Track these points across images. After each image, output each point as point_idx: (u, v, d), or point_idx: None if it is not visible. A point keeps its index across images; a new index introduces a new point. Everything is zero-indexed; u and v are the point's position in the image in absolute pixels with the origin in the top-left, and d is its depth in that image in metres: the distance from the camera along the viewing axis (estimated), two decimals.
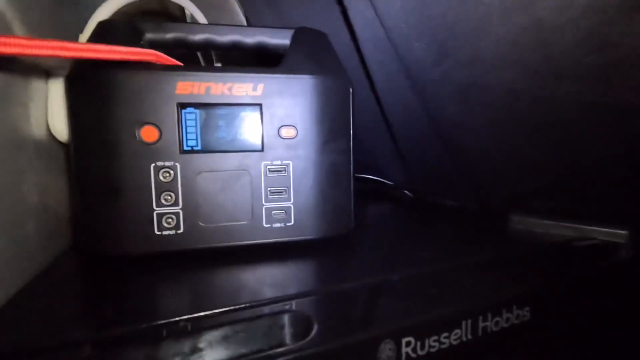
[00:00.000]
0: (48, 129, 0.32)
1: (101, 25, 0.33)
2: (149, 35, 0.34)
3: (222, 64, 0.42)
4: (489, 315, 0.24)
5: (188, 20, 0.42)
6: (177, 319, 0.22)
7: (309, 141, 0.33)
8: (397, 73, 0.43)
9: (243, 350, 0.19)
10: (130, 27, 0.33)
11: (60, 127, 0.32)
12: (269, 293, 0.26)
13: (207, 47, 0.36)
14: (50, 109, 0.32)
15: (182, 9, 0.41)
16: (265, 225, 0.33)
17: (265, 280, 0.29)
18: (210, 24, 0.37)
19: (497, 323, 0.24)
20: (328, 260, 0.33)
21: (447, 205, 0.51)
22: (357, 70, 0.46)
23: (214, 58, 0.42)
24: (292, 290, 0.26)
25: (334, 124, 0.34)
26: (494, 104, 0.37)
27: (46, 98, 0.32)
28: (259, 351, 0.20)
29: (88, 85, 0.29)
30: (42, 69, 0.31)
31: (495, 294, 0.25)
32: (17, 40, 0.19)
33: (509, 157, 0.42)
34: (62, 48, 0.21)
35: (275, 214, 0.33)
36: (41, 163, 0.31)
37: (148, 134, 0.30)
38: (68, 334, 0.22)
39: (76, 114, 0.30)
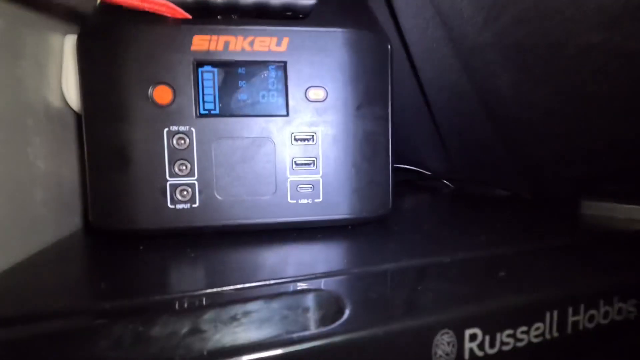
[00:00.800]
0: (62, 95, 0.30)
1: None
2: None
3: None
4: (582, 308, 0.18)
5: None
6: (183, 294, 0.19)
7: (341, 105, 0.29)
8: (440, 40, 0.38)
9: (255, 335, 0.15)
10: None
11: (73, 95, 0.30)
12: (291, 271, 0.22)
13: (230, 10, 0.33)
14: (65, 74, 0.30)
15: None
16: (290, 201, 0.29)
17: (289, 260, 0.25)
18: None
19: (591, 318, 0.18)
20: (363, 241, 0.29)
21: (495, 196, 0.44)
22: (394, 43, 0.42)
23: None
24: (319, 270, 0.22)
25: (369, 85, 0.29)
26: (563, 68, 0.31)
27: (61, 60, 0.30)
28: (276, 336, 0.15)
29: (98, 42, 0.27)
30: (60, 21, 0.29)
31: (587, 282, 0.19)
32: None
33: (579, 133, 0.35)
34: None
35: (301, 188, 0.29)
36: (51, 128, 0.28)
37: (161, 95, 0.27)
38: (64, 303, 0.19)
39: (86, 75, 0.27)
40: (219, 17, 0.33)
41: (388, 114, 0.31)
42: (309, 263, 0.25)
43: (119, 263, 0.25)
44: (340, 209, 0.29)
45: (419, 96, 0.46)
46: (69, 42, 0.29)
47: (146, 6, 0.25)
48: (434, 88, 0.43)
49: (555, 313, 0.17)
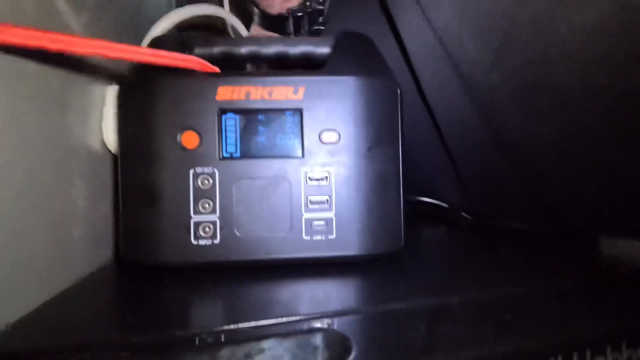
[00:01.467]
0: (102, 138, 0.33)
1: (154, 40, 0.35)
2: (198, 50, 0.35)
3: None
4: (588, 354, 0.18)
5: (230, 32, 0.43)
6: (202, 330, 0.20)
7: (353, 146, 0.30)
8: (450, 78, 0.39)
9: None
10: (181, 42, 0.34)
11: (112, 138, 0.33)
12: (303, 309, 0.23)
13: (253, 59, 0.36)
14: (105, 119, 0.33)
15: (224, 22, 0.43)
16: (305, 238, 0.30)
17: (301, 296, 0.26)
18: (255, 36, 0.38)
19: None
20: (374, 279, 0.30)
21: (514, 229, 0.44)
22: (407, 80, 0.44)
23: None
24: (327, 308, 0.23)
25: (380, 128, 0.31)
26: (571, 106, 0.32)
27: (102, 107, 0.33)
28: None
29: (135, 93, 0.30)
30: (103, 78, 0.33)
31: (595, 326, 0.20)
32: (62, 37, 0.19)
33: (592, 169, 0.35)
34: (106, 47, 0.21)
35: (315, 225, 0.30)
36: (91, 170, 0.32)
37: (189, 139, 0.29)
38: (96, 336, 0.21)
39: (123, 121, 0.30)
40: (247, 66, 0.36)
41: (398, 153, 0.32)
42: (320, 300, 0.26)
43: (144, 296, 0.27)
44: (352, 246, 0.31)
45: (434, 130, 0.47)
46: (111, 92, 0.33)
47: (179, 64, 0.28)
48: (447, 123, 0.45)
49: (559, 358, 0.18)
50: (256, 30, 0.39)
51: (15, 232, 0.22)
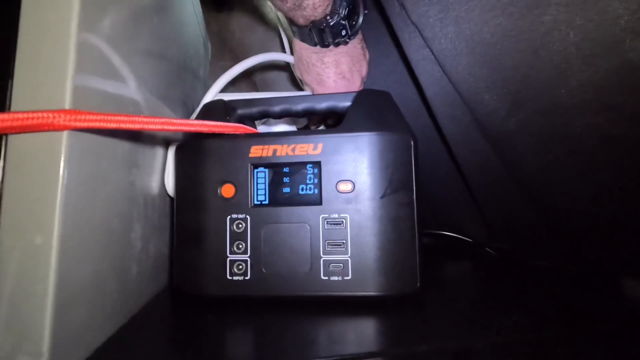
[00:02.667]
0: (160, 186, 0.40)
1: (205, 106, 0.42)
2: (240, 111, 0.42)
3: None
4: None
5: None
6: None
7: (367, 195, 0.34)
8: (469, 126, 0.41)
9: None
10: (226, 106, 0.41)
11: (171, 186, 0.40)
12: (322, 351, 0.26)
13: (285, 115, 0.42)
14: (167, 171, 0.41)
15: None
16: (323, 278, 0.33)
17: (320, 337, 0.29)
18: (287, 95, 0.44)
19: None
20: (390, 320, 0.32)
21: (539, 266, 0.42)
22: (428, 125, 0.46)
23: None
24: (347, 350, 0.25)
25: (393, 177, 0.34)
26: (585, 153, 0.32)
27: (164, 162, 0.41)
28: None
29: (187, 152, 0.37)
30: (161, 140, 0.41)
31: None
32: (140, 119, 0.26)
33: (609, 211, 0.34)
34: (168, 124, 0.28)
35: (332, 266, 0.34)
36: (148, 215, 0.38)
37: (227, 190, 0.35)
38: None
39: (178, 174, 0.37)
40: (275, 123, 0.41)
41: (413, 200, 0.34)
42: (338, 340, 0.28)
43: (189, 326, 0.32)
44: (368, 287, 0.33)
45: (457, 171, 0.48)
46: (171, 151, 0.41)
47: (225, 130, 0.34)
48: (466, 162, 0.46)
49: None
50: (297, 44, 0.45)
51: (92, 275, 0.27)
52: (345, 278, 0.33)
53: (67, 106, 0.23)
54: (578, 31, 0.29)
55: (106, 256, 0.29)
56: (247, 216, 0.35)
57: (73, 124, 0.23)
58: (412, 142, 0.35)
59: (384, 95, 0.39)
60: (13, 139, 0.23)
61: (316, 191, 0.35)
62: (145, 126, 0.28)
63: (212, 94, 0.46)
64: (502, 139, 0.38)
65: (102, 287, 0.28)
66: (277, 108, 0.41)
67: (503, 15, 0.33)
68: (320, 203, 0.34)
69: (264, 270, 0.34)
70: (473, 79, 0.38)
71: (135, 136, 0.34)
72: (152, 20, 0.37)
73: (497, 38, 0.34)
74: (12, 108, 0.23)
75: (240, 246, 0.35)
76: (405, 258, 0.34)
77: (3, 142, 0.24)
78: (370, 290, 0.33)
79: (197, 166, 0.36)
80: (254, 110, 0.42)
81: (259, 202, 0.35)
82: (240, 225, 0.35)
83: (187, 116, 0.47)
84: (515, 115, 0.36)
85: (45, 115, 0.22)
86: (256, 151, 0.35)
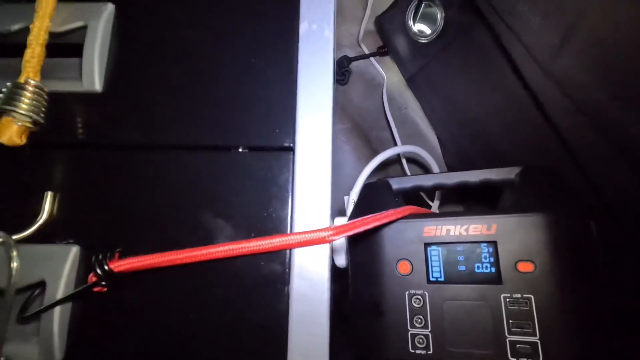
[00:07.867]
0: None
1: (365, 187, 0.48)
2: (395, 186, 0.47)
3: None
4: None
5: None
6: None
7: (549, 275, 0.34)
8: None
9: None
10: (384, 185, 0.46)
11: (341, 262, 0.46)
12: None
13: (438, 189, 0.46)
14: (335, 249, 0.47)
15: None
16: (511, 359, 0.34)
17: None
18: (440, 172, 0.47)
19: None
20: None
21: None
22: None
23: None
24: None
25: (575, 258, 0.34)
26: None
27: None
28: None
29: (357, 236, 0.42)
30: None
31: None
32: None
33: None
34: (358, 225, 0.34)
35: (520, 347, 0.34)
36: None
37: (403, 267, 0.39)
38: None
39: (353, 254, 0.43)
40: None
41: (597, 281, 0.33)
42: None
43: None
44: None
45: None
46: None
47: (398, 217, 0.39)
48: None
49: None
50: None
51: None
52: None
53: None
54: None
55: None
56: (425, 292, 0.38)
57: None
58: (592, 223, 0.35)
59: (552, 172, 0.40)
60: None
61: (493, 270, 0.36)
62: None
63: (365, 174, 0.52)
64: None
65: None
66: (430, 183, 0.45)
67: None
68: (499, 282, 0.35)
69: (447, 347, 0.36)
70: None
71: None
72: None
73: None
74: None
75: (420, 321, 0.37)
76: (601, 347, 0.32)
77: None
78: None
79: (375, 245, 0.41)
80: (408, 185, 0.46)
81: (434, 279, 0.38)
82: (419, 301, 0.38)
83: None
84: None
85: None
86: (429, 231, 0.39)
